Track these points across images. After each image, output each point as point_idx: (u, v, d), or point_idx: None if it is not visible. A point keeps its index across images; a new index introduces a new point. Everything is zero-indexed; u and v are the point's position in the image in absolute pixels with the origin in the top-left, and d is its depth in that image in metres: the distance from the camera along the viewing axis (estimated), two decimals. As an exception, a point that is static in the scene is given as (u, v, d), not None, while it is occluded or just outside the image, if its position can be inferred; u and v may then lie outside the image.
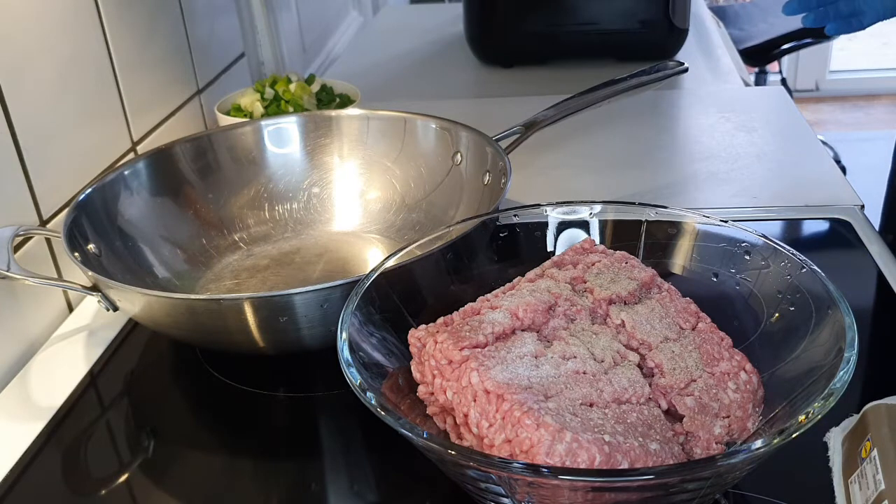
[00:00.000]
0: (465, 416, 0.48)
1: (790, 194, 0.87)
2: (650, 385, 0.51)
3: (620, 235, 0.63)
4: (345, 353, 0.49)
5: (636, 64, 0.92)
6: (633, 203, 0.63)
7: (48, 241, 0.75)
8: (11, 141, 0.70)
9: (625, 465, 0.44)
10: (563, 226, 0.64)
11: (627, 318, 0.54)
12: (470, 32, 1.36)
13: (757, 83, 2.64)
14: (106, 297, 0.64)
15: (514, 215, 0.64)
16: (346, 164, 0.87)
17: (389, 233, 0.83)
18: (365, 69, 1.40)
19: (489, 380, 0.47)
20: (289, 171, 0.87)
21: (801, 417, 0.43)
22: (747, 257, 0.59)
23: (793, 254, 0.55)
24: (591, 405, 0.48)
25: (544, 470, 0.42)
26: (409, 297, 0.58)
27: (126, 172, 0.78)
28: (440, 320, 0.55)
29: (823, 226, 0.83)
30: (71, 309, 0.78)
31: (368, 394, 0.46)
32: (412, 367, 0.52)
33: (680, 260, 0.62)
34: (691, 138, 0.94)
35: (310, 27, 1.55)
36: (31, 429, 0.62)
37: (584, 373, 0.49)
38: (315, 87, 1.05)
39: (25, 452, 0.60)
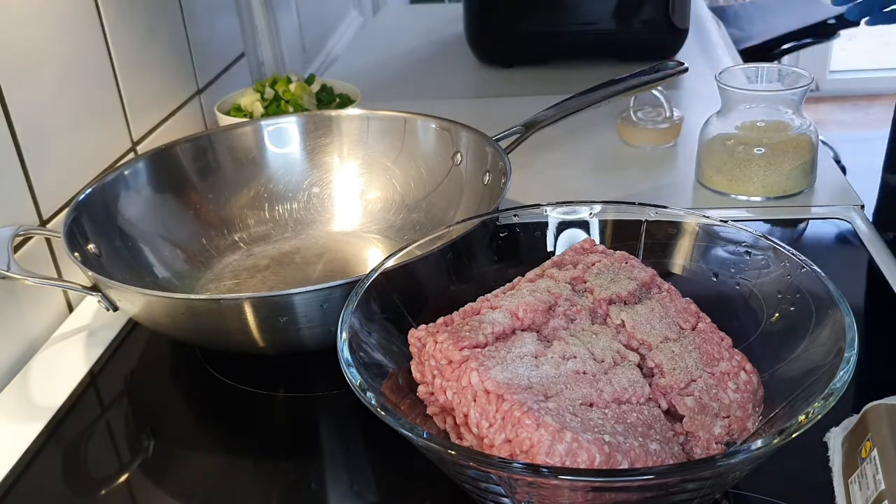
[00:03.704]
0: (465, 416, 0.48)
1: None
2: (650, 385, 0.51)
3: (620, 235, 0.63)
4: (345, 353, 0.49)
5: (636, 64, 0.92)
6: (633, 203, 0.63)
7: (48, 241, 0.75)
8: (11, 141, 0.70)
9: (625, 465, 0.44)
10: (563, 226, 0.64)
11: (627, 318, 0.54)
12: (470, 32, 1.36)
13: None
14: (106, 297, 0.64)
15: (514, 215, 0.64)
16: (346, 164, 0.87)
17: (389, 233, 0.83)
18: (365, 69, 1.40)
19: (489, 380, 0.47)
20: (289, 171, 0.87)
21: (801, 417, 0.43)
22: (747, 257, 0.59)
23: (793, 254, 0.55)
24: (591, 405, 0.48)
25: (544, 470, 0.42)
26: (409, 297, 0.58)
27: (126, 172, 0.78)
28: (440, 320, 0.55)
29: (823, 226, 0.83)
30: (71, 309, 0.78)
31: (368, 394, 0.46)
32: (412, 367, 0.52)
33: (680, 260, 0.62)
34: (692, 138, 0.94)
35: (310, 27, 1.55)
36: (31, 429, 0.62)
37: (584, 373, 0.49)
38: (315, 87, 1.05)
39: (25, 452, 0.60)
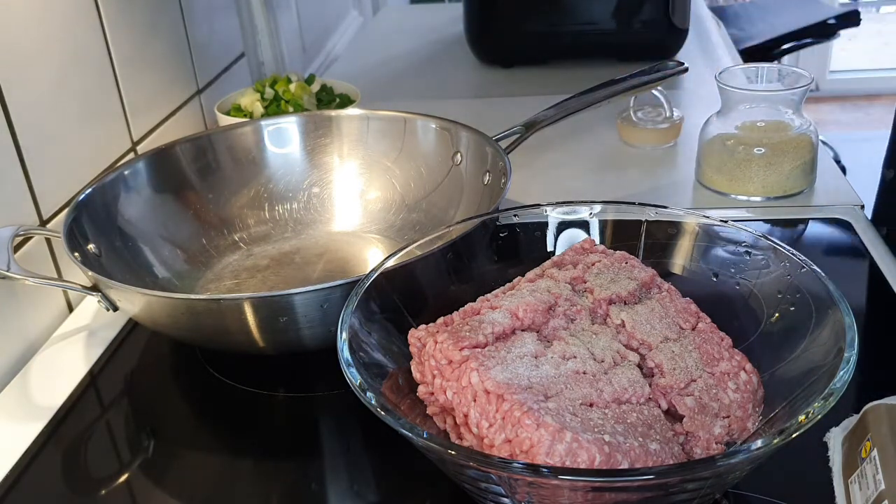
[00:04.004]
0: (465, 416, 0.48)
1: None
2: (650, 385, 0.51)
3: (620, 235, 0.63)
4: (345, 353, 0.49)
5: (636, 64, 0.92)
6: (633, 203, 0.63)
7: (48, 241, 0.75)
8: (11, 141, 0.70)
9: (625, 465, 0.44)
10: (563, 226, 0.64)
11: (627, 318, 0.54)
12: (470, 32, 1.36)
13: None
14: (106, 297, 0.64)
15: (514, 215, 0.64)
16: (346, 164, 0.87)
17: (389, 233, 0.83)
18: (365, 69, 1.40)
19: (489, 380, 0.47)
20: (289, 171, 0.87)
21: (801, 417, 0.43)
22: (747, 257, 0.59)
23: (793, 254, 0.55)
24: (591, 405, 0.48)
25: (544, 470, 0.42)
26: (409, 297, 0.58)
27: (126, 172, 0.78)
28: (440, 320, 0.55)
29: (823, 226, 0.83)
30: (71, 309, 0.78)
31: (368, 394, 0.46)
32: (412, 367, 0.52)
33: (680, 260, 0.62)
34: (692, 138, 0.94)
35: (310, 27, 1.55)
36: (31, 429, 0.62)
37: (584, 373, 0.49)
38: (315, 87, 1.05)
39: (25, 452, 0.60)
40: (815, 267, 0.53)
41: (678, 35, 1.30)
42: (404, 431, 0.44)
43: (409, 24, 1.67)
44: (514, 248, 0.65)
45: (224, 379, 0.66)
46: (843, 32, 2.53)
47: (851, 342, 0.47)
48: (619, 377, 0.50)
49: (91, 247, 0.70)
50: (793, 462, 0.53)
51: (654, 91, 0.94)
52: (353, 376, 0.48)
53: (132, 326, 0.73)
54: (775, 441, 0.42)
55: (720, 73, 0.86)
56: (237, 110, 1.01)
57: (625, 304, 0.56)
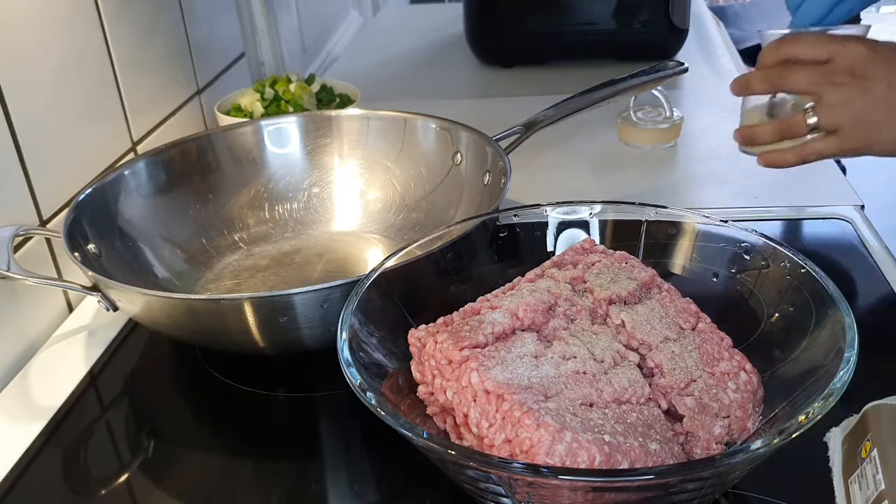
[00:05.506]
0: (465, 416, 0.48)
1: (790, 194, 0.87)
2: (650, 385, 0.51)
3: (620, 235, 0.63)
4: (345, 353, 0.49)
5: (636, 64, 0.92)
6: (633, 203, 0.63)
7: (48, 241, 0.75)
8: (11, 141, 0.70)
9: (625, 465, 0.44)
10: (563, 226, 0.64)
11: (627, 318, 0.54)
12: (470, 32, 1.36)
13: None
14: (106, 297, 0.64)
15: (514, 215, 0.64)
16: (346, 164, 0.87)
17: (389, 233, 0.83)
18: (365, 69, 1.40)
19: (489, 380, 0.47)
20: (289, 171, 0.87)
21: (801, 417, 0.43)
22: (747, 257, 0.59)
23: (793, 254, 0.55)
24: (591, 405, 0.48)
25: (544, 470, 0.42)
26: (409, 297, 0.58)
27: (126, 172, 0.78)
28: (440, 320, 0.55)
29: (823, 226, 0.83)
30: (71, 309, 0.78)
31: (368, 394, 0.46)
32: (412, 367, 0.52)
33: (680, 260, 0.62)
34: (692, 138, 0.94)
35: (310, 27, 1.55)
36: (31, 429, 0.62)
37: (584, 373, 0.49)
38: (315, 87, 1.05)
39: (25, 452, 0.60)
40: (815, 267, 0.53)
41: (678, 35, 1.30)
42: (404, 431, 0.44)
43: (409, 24, 1.67)
44: (514, 248, 0.65)
45: (224, 379, 0.66)
46: (843, 32, 2.52)
47: (851, 342, 0.47)
48: (619, 377, 0.50)
49: (91, 247, 0.70)
50: (793, 462, 0.53)
51: (654, 91, 0.94)
52: (353, 376, 0.48)
53: (132, 326, 0.73)
54: (775, 441, 0.42)
55: (766, 31, 0.83)
56: (237, 110, 1.01)
57: (625, 304, 0.56)
